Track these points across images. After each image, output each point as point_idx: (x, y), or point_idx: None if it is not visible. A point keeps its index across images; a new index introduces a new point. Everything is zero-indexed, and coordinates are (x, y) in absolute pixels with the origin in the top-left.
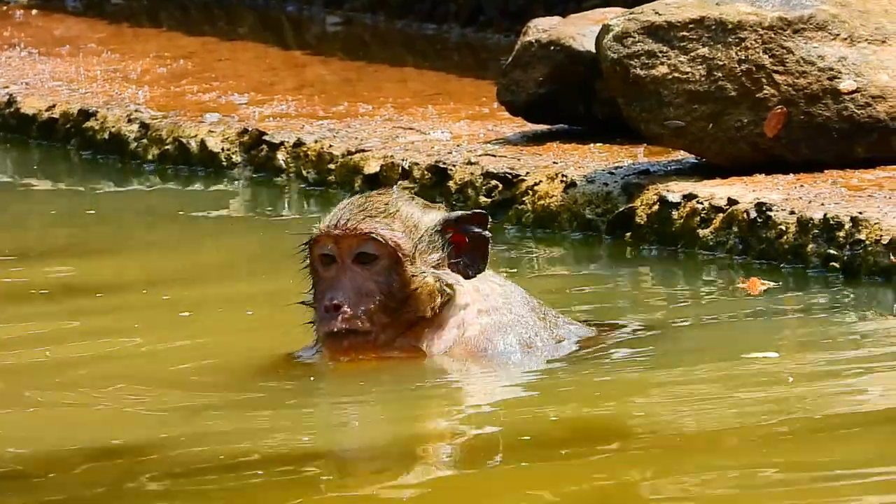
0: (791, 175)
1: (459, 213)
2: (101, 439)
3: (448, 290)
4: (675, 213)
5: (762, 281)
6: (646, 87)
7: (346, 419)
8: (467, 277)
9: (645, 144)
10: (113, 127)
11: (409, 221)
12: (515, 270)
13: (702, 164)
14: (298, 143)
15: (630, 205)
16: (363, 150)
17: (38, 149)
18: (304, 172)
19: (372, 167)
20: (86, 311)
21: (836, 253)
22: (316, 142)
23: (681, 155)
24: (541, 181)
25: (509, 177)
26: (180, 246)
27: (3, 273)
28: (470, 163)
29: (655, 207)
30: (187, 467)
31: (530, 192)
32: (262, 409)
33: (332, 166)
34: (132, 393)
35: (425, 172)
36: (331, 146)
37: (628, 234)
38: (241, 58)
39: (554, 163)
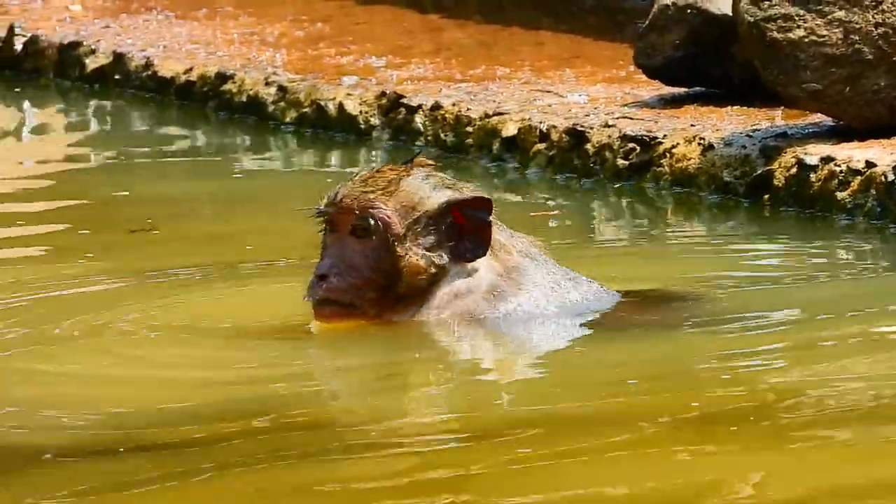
0: None
1: (462, 196)
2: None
3: (436, 272)
4: (812, 176)
5: None
6: (782, 50)
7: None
8: (465, 261)
9: (782, 107)
10: (251, 90)
11: (409, 200)
12: (653, 233)
13: (839, 126)
14: (436, 107)
15: (768, 167)
16: (501, 113)
17: (177, 110)
18: (441, 135)
19: (509, 130)
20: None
21: None
22: (453, 105)
23: (818, 118)
24: (678, 144)
25: (647, 139)
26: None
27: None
28: (607, 125)
29: (793, 170)
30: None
31: (668, 155)
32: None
33: (469, 129)
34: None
35: (563, 135)
36: (468, 109)
37: (766, 196)
38: (377, 21)
39: (691, 125)
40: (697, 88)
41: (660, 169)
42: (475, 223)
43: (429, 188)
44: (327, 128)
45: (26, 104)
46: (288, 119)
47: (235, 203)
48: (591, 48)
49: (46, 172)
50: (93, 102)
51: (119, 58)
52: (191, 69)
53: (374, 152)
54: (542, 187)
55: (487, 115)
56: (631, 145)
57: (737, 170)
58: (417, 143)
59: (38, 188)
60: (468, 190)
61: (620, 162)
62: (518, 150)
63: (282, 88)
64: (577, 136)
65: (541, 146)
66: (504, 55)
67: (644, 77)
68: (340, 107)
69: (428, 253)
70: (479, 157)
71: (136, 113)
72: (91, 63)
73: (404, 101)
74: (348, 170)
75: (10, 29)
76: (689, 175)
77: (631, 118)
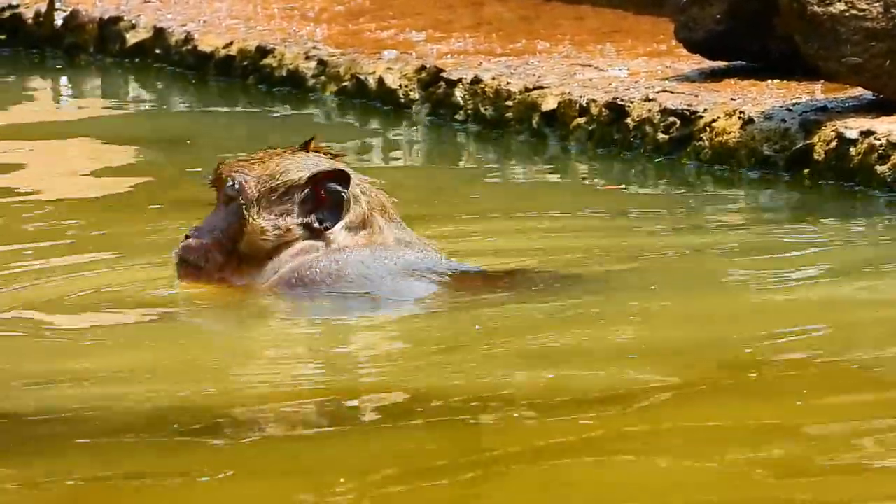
0: None
1: (322, 168)
2: None
3: (282, 237)
4: (852, 150)
5: None
6: (823, 24)
7: None
8: (316, 231)
9: (822, 81)
10: (291, 64)
11: (273, 171)
12: (694, 207)
13: (879, 100)
14: (476, 80)
15: (808, 141)
16: (541, 87)
17: (217, 85)
18: (481, 109)
19: (549, 104)
20: None
21: None
22: (493, 78)
23: (858, 91)
24: (718, 117)
25: (687, 113)
26: None
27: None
28: (648, 99)
29: (833, 144)
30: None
31: (708, 129)
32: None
33: (509, 103)
34: None
35: (603, 109)
36: (508, 83)
37: (806, 170)
38: None
39: (732, 99)
40: (738, 62)
41: (700, 143)
42: (333, 195)
43: (299, 163)
44: (367, 101)
45: (66, 79)
46: (328, 93)
47: None
48: (631, 22)
49: (89, 149)
50: (132, 77)
51: (159, 32)
52: (231, 44)
53: (414, 126)
54: (583, 159)
55: (527, 89)
56: (671, 119)
57: (776, 144)
58: (457, 116)
59: (82, 165)
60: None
61: (661, 136)
62: (558, 124)
63: (322, 62)
64: (617, 111)
65: (581, 120)
66: (544, 29)
67: (685, 51)
68: (380, 81)
69: (275, 218)
70: (518, 131)
71: (177, 87)
72: (131, 38)
73: (444, 74)
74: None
75: (51, 3)
76: (729, 149)
77: (671, 92)
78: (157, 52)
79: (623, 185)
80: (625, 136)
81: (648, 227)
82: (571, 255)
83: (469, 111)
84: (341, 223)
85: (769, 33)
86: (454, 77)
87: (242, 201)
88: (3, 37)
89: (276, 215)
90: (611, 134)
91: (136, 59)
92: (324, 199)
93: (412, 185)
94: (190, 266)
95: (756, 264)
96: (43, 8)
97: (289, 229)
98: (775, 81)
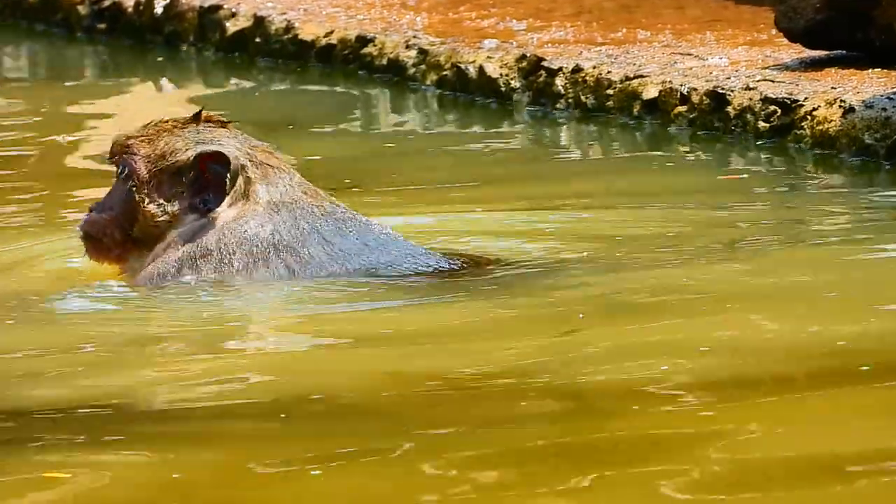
0: None
1: (206, 149)
2: None
3: (170, 220)
4: None
5: None
6: None
7: None
8: (200, 213)
9: None
10: (391, 53)
11: (163, 150)
12: (795, 193)
13: None
14: (577, 69)
15: None
16: (641, 76)
17: (317, 73)
18: (582, 98)
19: (650, 93)
20: None
21: None
22: (594, 67)
23: None
24: (819, 106)
25: (788, 102)
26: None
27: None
28: (748, 88)
29: None
30: None
31: (809, 118)
32: None
33: (610, 92)
34: None
35: (703, 98)
36: (609, 72)
37: None
38: None
39: (832, 88)
40: (838, 52)
41: (800, 131)
42: (216, 176)
43: (188, 142)
44: (467, 91)
45: (166, 68)
46: (428, 82)
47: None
48: (732, 12)
49: None
50: (232, 66)
51: (259, 21)
52: (331, 32)
53: (514, 115)
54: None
55: (628, 78)
56: (772, 108)
57: (877, 132)
58: (558, 105)
59: None
60: (224, 144)
61: (761, 124)
62: (659, 112)
63: (422, 51)
64: (718, 99)
65: (681, 108)
66: (645, 18)
67: (785, 40)
68: (481, 70)
69: (164, 202)
70: (619, 119)
71: (278, 76)
72: (231, 26)
73: (545, 63)
74: (492, 131)
75: None
76: (830, 137)
77: (772, 81)
78: (257, 40)
79: (743, 175)
80: (725, 124)
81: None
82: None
83: (570, 100)
84: (226, 202)
85: (870, 23)
86: (555, 66)
87: (132, 185)
88: (103, 25)
89: (164, 198)
90: (711, 122)
91: (236, 48)
92: (209, 180)
93: (518, 173)
94: (93, 240)
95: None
96: None
97: (175, 214)
98: (876, 70)
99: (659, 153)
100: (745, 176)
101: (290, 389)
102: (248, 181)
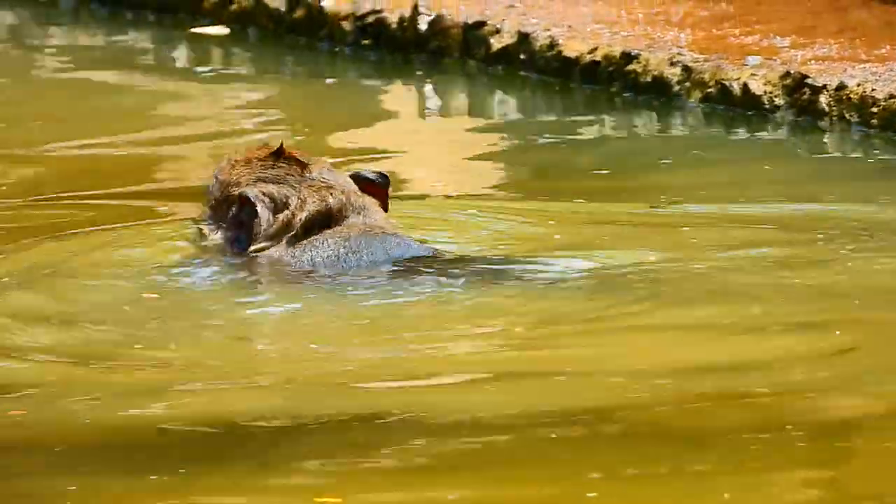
0: None
1: (242, 192)
2: None
3: (215, 242)
4: None
5: None
6: None
7: None
8: (233, 252)
9: None
10: (655, 70)
11: (229, 180)
12: None
13: None
14: (841, 87)
15: None
16: None
17: (581, 92)
18: (846, 116)
19: None
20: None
21: None
22: (858, 85)
23: None
24: None
25: None
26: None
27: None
28: None
29: None
30: None
31: None
32: None
33: (874, 110)
34: None
35: None
36: (873, 90)
37: None
38: (781, 1)
39: None
40: None
41: None
42: (248, 218)
43: (248, 178)
44: (731, 107)
45: (430, 86)
46: (692, 99)
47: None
48: None
49: (473, 154)
50: (498, 82)
51: (524, 38)
52: (595, 49)
53: (778, 131)
54: None
55: (893, 96)
56: None
57: None
58: (821, 122)
59: (474, 167)
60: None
61: None
62: None
63: (686, 69)
64: None
65: None
66: None
67: None
68: (745, 87)
69: (214, 236)
70: (884, 137)
71: (541, 94)
72: (496, 43)
73: (809, 80)
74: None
75: (415, 8)
76: None
77: None
78: (522, 57)
79: None
80: None
81: None
82: None
83: (834, 117)
84: (259, 241)
85: None
86: (819, 83)
87: (200, 215)
88: (367, 41)
89: (215, 224)
90: None
91: (501, 65)
92: (242, 221)
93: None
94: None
95: None
96: (407, 13)
97: (220, 242)
98: None
99: None
100: None
101: None
102: (285, 225)
